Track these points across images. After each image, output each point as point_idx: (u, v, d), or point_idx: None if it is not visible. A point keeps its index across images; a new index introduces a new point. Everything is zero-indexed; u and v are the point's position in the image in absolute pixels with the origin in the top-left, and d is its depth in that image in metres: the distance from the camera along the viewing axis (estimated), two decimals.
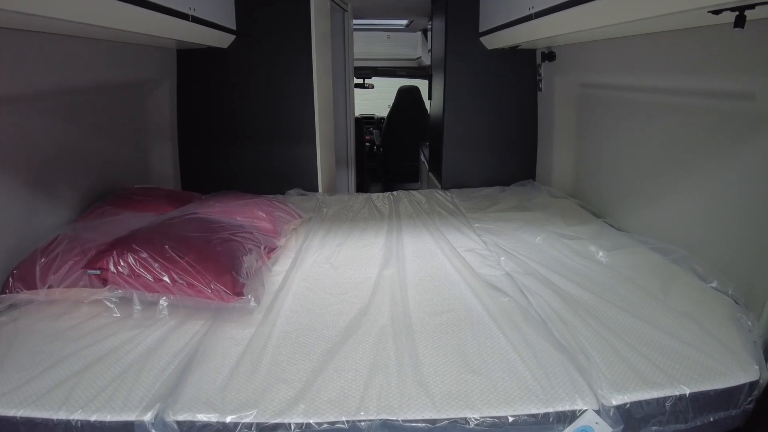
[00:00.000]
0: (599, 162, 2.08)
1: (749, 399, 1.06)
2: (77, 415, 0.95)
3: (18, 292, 1.30)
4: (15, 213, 1.44)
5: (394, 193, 2.44)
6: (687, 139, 1.54)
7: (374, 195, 2.43)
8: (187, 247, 1.25)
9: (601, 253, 1.62)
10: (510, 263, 1.57)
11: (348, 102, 3.30)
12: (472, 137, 2.61)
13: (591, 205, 2.10)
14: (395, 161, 4.72)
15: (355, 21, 3.49)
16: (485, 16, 2.32)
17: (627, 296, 1.35)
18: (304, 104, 2.37)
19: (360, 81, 4.70)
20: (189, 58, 2.29)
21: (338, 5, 2.89)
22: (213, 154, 2.40)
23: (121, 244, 1.24)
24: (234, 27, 2.19)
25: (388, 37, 4.93)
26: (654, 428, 1.02)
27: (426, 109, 4.44)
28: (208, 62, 2.29)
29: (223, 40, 2.16)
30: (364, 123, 4.58)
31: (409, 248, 1.72)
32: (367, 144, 4.66)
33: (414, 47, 4.72)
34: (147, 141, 2.22)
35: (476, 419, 0.93)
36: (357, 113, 3.80)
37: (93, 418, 0.94)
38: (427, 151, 3.49)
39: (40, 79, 1.48)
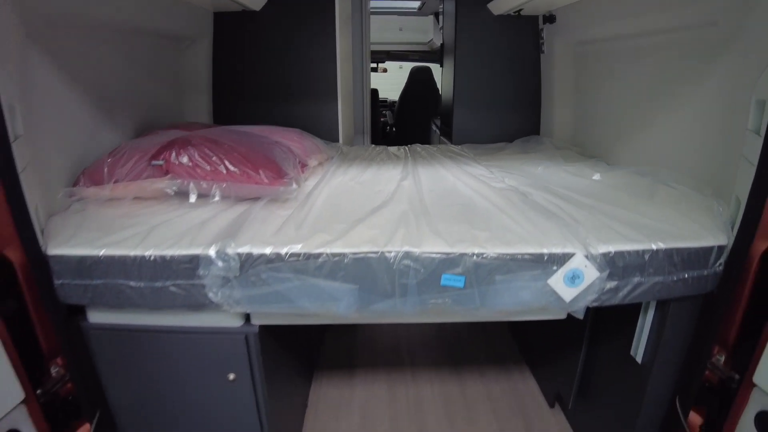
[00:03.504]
0: (594, 112, 2.27)
1: (719, 261, 1.23)
2: (151, 251, 1.15)
3: (87, 186, 1.50)
4: (83, 127, 1.62)
5: (409, 146, 2.65)
6: (664, 74, 1.73)
7: (390, 147, 2.63)
8: (237, 144, 1.46)
9: (596, 175, 1.81)
10: (513, 181, 1.77)
11: (365, 78, 3.51)
12: (481, 100, 2.82)
13: (589, 153, 2.29)
14: (408, 141, 4.93)
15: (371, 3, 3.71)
16: None
17: (617, 198, 1.53)
18: (327, 65, 2.59)
19: (374, 65, 4.95)
20: (224, 20, 2.53)
21: None
22: (243, 109, 2.62)
23: (181, 140, 1.46)
24: None
25: (401, 30, 5.17)
26: (636, 279, 1.20)
27: (437, 89, 4.65)
28: (241, 24, 2.53)
29: (256, 2, 2.39)
30: (382, 107, 4.79)
31: (424, 174, 1.92)
32: (382, 120, 4.87)
33: (425, 32, 4.95)
34: (185, 93, 2.45)
35: (482, 253, 1.12)
36: None
37: (165, 252, 1.15)
38: (438, 122, 3.69)
39: (104, 11, 1.66)
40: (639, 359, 1.45)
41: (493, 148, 2.57)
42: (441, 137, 3.41)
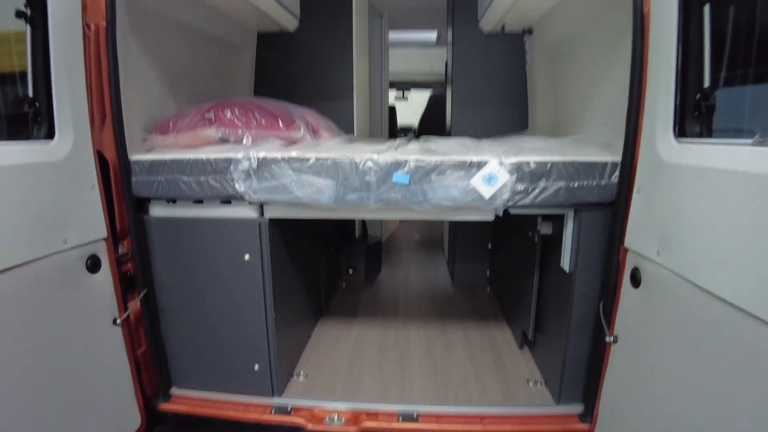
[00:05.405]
0: (563, 101, 2.71)
1: (614, 174, 1.62)
2: (201, 155, 1.69)
3: (157, 134, 2.08)
4: (154, 97, 2.19)
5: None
6: (604, 58, 2.17)
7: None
8: (265, 105, 2.02)
9: (552, 141, 2.22)
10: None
11: (383, 98, 4.11)
12: (476, 105, 3.30)
13: None
14: None
15: (391, 34, 4.34)
16: (481, 3, 3.09)
17: (549, 148, 1.94)
18: (345, 75, 3.20)
19: (399, 94, 5.60)
20: (266, 37, 3.21)
21: (376, 10, 3.78)
22: None
23: (226, 101, 2.03)
24: (298, 14, 3.09)
25: (431, 68, 5.80)
26: (542, 183, 1.61)
27: None
28: (279, 41, 3.19)
29: (291, 23, 3.05)
30: (403, 132, 5.38)
31: (414, 145, 2.40)
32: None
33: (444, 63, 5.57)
34: (231, 92, 3.09)
35: (421, 159, 1.59)
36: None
37: (210, 156, 1.68)
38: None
39: (182, 15, 2.29)
40: (566, 268, 1.80)
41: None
42: None
